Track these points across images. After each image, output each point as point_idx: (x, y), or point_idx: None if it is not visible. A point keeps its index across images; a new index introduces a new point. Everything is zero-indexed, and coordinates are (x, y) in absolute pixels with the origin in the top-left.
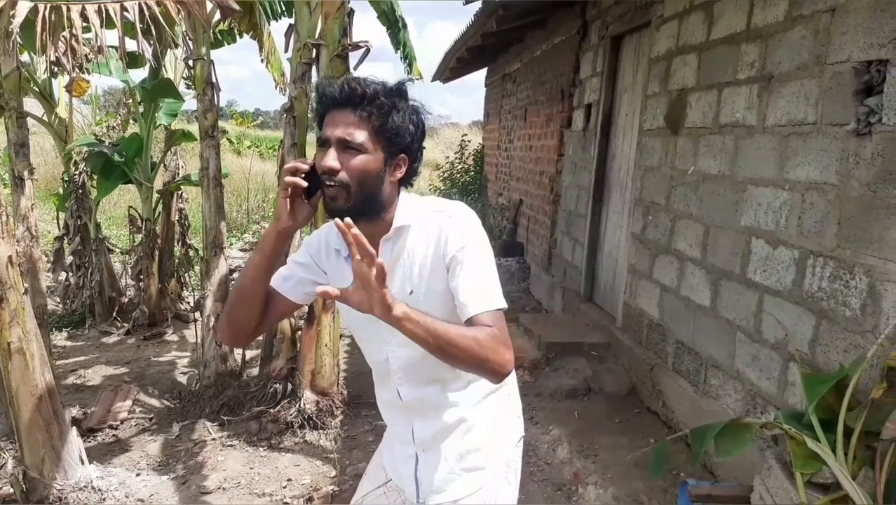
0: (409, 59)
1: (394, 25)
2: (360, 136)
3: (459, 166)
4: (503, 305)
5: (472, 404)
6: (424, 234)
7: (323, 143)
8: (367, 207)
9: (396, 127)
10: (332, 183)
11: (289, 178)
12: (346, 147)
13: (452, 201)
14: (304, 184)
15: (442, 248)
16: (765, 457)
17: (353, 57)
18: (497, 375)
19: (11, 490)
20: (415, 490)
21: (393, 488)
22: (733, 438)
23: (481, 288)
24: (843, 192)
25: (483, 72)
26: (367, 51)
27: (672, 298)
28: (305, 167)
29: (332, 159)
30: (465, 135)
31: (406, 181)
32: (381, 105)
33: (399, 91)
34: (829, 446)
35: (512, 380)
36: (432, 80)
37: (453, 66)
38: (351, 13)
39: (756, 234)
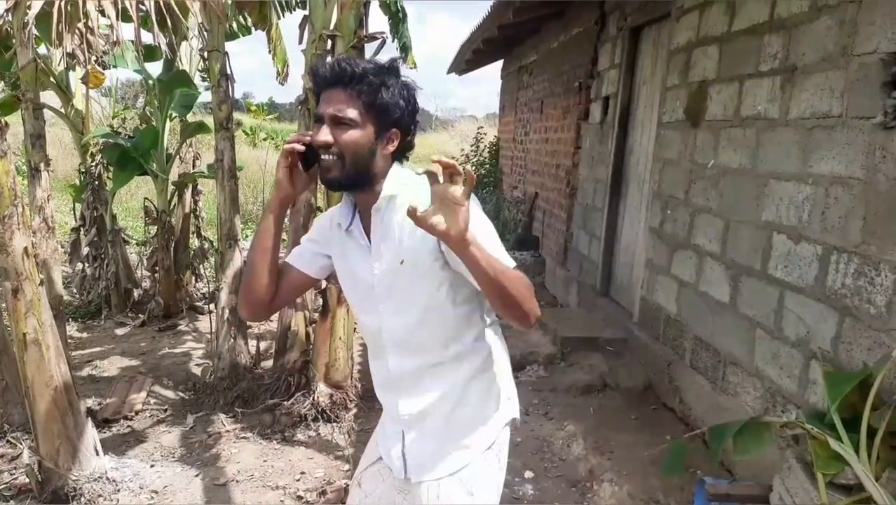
0: (405, 49)
1: (394, 15)
2: (351, 112)
3: (475, 159)
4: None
5: (457, 383)
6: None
7: (318, 120)
8: (359, 178)
9: (386, 103)
10: (328, 156)
11: (287, 147)
12: (338, 122)
13: None
14: (301, 148)
15: None
16: (785, 456)
17: (369, 49)
18: (527, 321)
19: (27, 480)
20: (401, 467)
21: (385, 466)
22: (753, 436)
23: (498, 251)
24: (870, 186)
25: (499, 63)
26: (383, 42)
27: (690, 293)
28: (307, 139)
29: (325, 134)
30: (481, 128)
31: (401, 154)
32: (371, 83)
33: (389, 69)
34: (852, 447)
35: (502, 361)
36: (447, 73)
37: (469, 59)
38: (367, 4)
39: (777, 230)
